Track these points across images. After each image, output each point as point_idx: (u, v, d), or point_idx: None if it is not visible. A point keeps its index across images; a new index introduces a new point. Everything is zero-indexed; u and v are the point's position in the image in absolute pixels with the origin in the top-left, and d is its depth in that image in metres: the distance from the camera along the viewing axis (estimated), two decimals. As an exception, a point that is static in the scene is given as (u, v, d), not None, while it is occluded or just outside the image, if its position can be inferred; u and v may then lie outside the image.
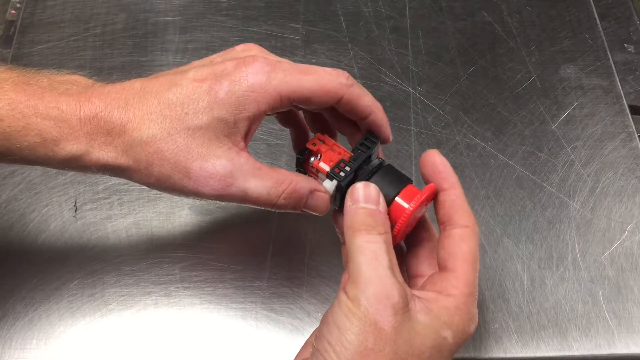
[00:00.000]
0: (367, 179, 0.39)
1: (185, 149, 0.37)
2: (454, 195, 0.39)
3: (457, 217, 0.38)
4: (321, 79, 0.38)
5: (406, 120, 0.59)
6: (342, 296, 0.35)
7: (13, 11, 0.65)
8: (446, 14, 0.67)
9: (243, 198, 0.38)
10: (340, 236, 0.42)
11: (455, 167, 0.56)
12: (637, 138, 0.58)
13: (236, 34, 0.64)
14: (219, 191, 0.38)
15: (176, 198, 0.53)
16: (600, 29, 0.66)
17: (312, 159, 0.41)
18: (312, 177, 0.42)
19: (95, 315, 0.48)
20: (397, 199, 0.39)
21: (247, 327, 0.48)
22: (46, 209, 0.52)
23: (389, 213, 0.38)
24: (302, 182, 0.40)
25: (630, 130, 0.59)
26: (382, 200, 0.38)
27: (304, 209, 0.40)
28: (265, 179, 0.38)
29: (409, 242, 0.42)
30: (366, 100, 0.40)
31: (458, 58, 0.63)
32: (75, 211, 0.52)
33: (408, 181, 0.40)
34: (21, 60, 0.61)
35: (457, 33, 0.65)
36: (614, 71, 0.63)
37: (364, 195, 0.38)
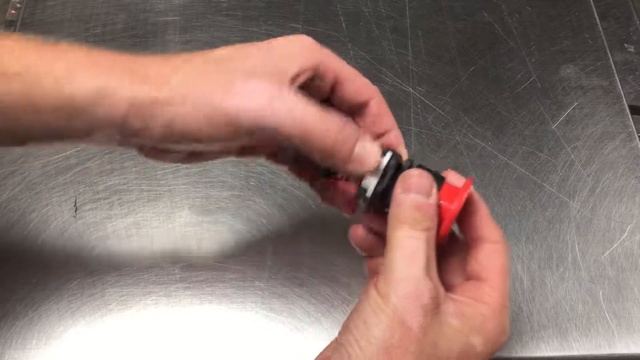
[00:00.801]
0: None
1: (227, 71, 0.35)
2: (483, 215, 0.38)
3: (487, 234, 0.38)
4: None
5: (406, 120, 0.59)
6: (372, 292, 0.34)
7: (13, 11, 0.65)
8: (446, 14, 0.67)
9: (288, 127, 0.34)
10: (358, 250, 0.41)
11: (455, 167, 0.56)
12: (637, 138, 0.58)
13: (236, 34, 0.64)
14: (262, 112, 0.34)
15: (176, 198, 0.53)
16: (600, 28, 0.66)
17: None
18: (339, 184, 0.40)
19: (95, 315, 0.48)
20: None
21: (247, 327, 0.48)
22: (46, 209, 0.52)
23: None
24: (352, 125, 0.37)
25: (630, 130, 0.59)
26: (434, 192, 0.36)
27: (348, 162, 0.36)
28: (315, 107, 0.35)
29: (439, 253, 0.39)
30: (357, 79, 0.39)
31: (458, 58, 0.63)
32: (75, 211, 0.52)
33: (443, 179, 0.38)
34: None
35: (457, 33, 0.65)
36: (614, 71, 0.63)
37: (417, 184, 0.36)
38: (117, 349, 0.47)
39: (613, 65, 0.63)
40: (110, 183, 0.54)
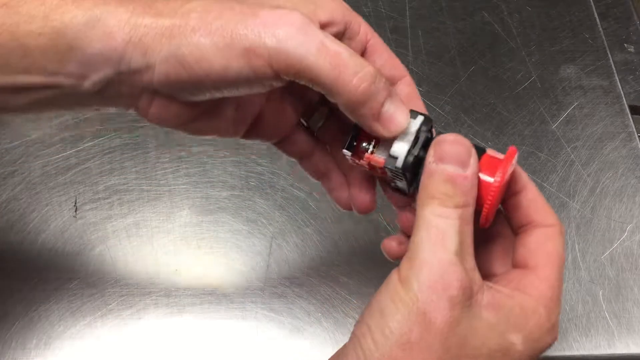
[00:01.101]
0: None
1: (251, 3, 0.30)
2: (531, 195, 0.33)
3: (540, 217, 0.33)
4: None
5: (406, 120, 0.59)
6: (393, 275, 0.30)
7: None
8: (446, 13, 0.67)
9: (319, 62, 0.29)
10: (386, 254, 0.37)
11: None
12: (637, 138, 0.58)
13: (236, 34, 0.64)
14: (289, 39, 0.29)
15: (176, 198, 0.53)
16: (600, 28, 0.66)
17: (365, 144, 0.34)
18: (365, 162, 0.34)
19: (95, 315, 0.48)
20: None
21: (247, 327, 0.48)
22: (46, 209, 0.52)
23: None
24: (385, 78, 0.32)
25: (630, 130, 0.59)
26: (473, 162, 0.31)
27: (376, 118, 0.31)
28: (348, 47, 0.30)
29: (479, 238, 0.34)
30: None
31: (458, 58, 0.63)
32: (75, 211, 0.52)
33: (483, 150, 0.32)
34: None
35: (457, 33, 0.65)
36: (614, 71, 0.63)
37: (451, 152, 0.30)
38: (117, 348, 0.47)
39: (613, 65, 0.63)
40: (110, 183, 0.54)
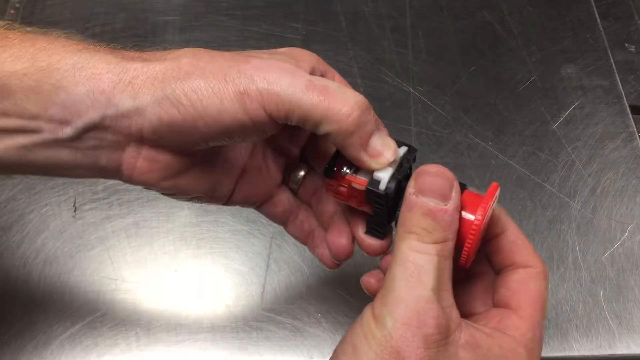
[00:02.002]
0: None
1: (238, 55, 0.31)
2: (512, 237, 0.33)
3: (522, 259, 0.32)
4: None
5: (406, 120, 0.59)
6: (367, 312, 0.29)
7: (12, 11, 0.65)
8: (446, 13, 0.67)
9: (309, 94, 0.29)
10: (365, 290, 0.35)
11: (455, 167, 0.56)
12: (638, 138, 0.58)
13: (236, 34, 0.64)
14: (282, 79, 0.29)
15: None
16: (601, 28, 0.66)
17: (346, 168, 0.33)
18: (345, 188, 0.34)
19: (94, 315, 0.48)
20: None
21: (247, 327, 0.48)
22: (45, 209, 0.52)
23: None
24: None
25: (631, 130, 0.59)
26: (455, 194, 0.30)
27: (364, 149, 0.31)
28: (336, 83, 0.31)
29: (459, 276, 0.34)
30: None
31: (458, 58, 0.63)
32: (75, 211, 0.52)
33: (463, 186, 0.32)
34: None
35: (458, 33, 0.65)
36: (615, 71, 0.63)
37: (432, 184, 0.29)
38: (116, 349, 0.47)
39: (614, 65, 0.63)
40: (109, 183, 0.54)
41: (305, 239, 0.39)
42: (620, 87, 0.62)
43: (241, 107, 0.29)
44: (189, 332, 0.47)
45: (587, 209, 0.54)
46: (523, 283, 0.32)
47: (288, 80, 0.29)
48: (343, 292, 0.49)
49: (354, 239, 0.36)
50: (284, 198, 0.38)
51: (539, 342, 0.31)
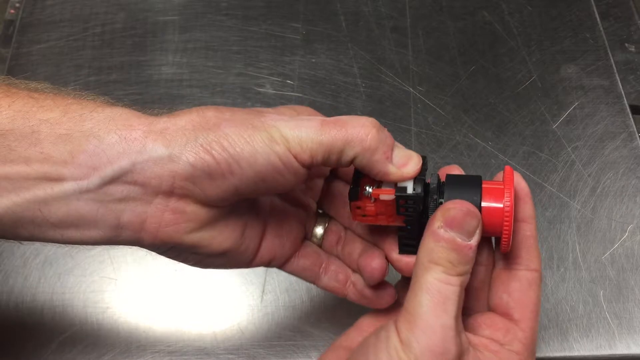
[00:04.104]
0: (439, 197, 0.33)
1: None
2: (529, 231, 0.34)
3: (527, 258, 0.34)
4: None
5: (406, 120, 0.59)
6: (392, 334, 0.30)
7: (12, 10, 0.65)
8: (446, 13, 0.67)
9: (324, 129, 0.31)
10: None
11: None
12: (638, 138, 0.58)
13: (236, 34, 0.64)
14: (299, 124, 0.32)
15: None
16: (601, 28, 0.66)
17: (369, 187, 0.34)
18: (371, 207, 0.35)
19: (94, 315, 0.48)
20: (484, 204, 0.32)
21: (247, 328, 0.48)
22: (45, 209, 0.52)
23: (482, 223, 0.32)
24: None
25: (631, 130, 0.59)
26: (479, 231, 0.32)
27: (389, 162, 0.33)
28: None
29: None
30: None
31: (458, 57, 0.63)
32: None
33: (479, 179, 0.34)
34: (20, 59, 0.61)
35: (458, 32, 0.65)
36: (615, 71, 0.63)
37: (461, 222, 0.31)
38: (116, 349, 0.46)
39: (614, 65, 0.63)
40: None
41: (343, 288, 0.39)
42: (620, 87, 0.62)
43: (272, 150, 0.31)
44: (189, 332, 0.47)
45: (587, 209, 0.54)
46: (525, 292, 0.33)
47: (305, 124, 0.32)
48: (343, 292, 0.49)
49: (387, 261, 0.37)
50: (311, 250, 0.39)
51: (534, 352, 0.33)
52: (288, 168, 0.31)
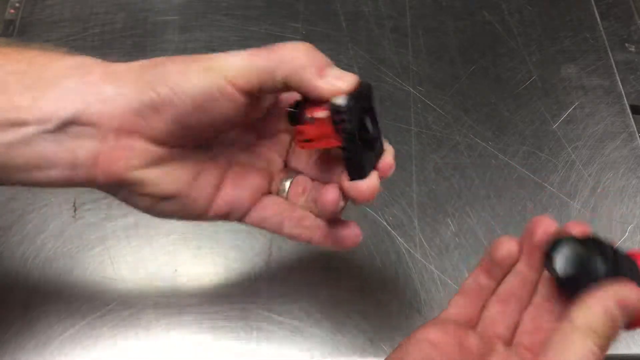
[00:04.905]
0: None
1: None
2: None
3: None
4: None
5: (406, 119, 0.59)
6: None
7: (12, 10, 0.65)
8: (447, 13, 0.67)
9: (259, 54, 0.33)
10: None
11: (455, 167, 0.56)
12: (638, 138, 0.58)
13: (236, 34, 0.64)
14: (234, 55, 0.33)
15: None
16: (601, 28, 0.66)
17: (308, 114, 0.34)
18: (312, 130, 0.35)
19: (94, 315, 0.48)
20: None
21: (247, 327, 0.47)
22: (45, 208, 0.52)
23: None
24: None
25: (632, 130, 0.59)
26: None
27: (322, 76, 0.33)
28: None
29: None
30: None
31: (458, 57, 0.63)
32: (75, 211, 0.52)
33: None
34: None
35: (458, 32, 0.65)
36: (615, 71, 0.63)
37: (634, 309, 0.31)
38: (116, 349, 0.46)
39: (614, 65, 0.63)
40: (109, 183, 0.54)
41: (308, 232, 0.39)
42: (621, 87, 0.62)
43: (207, 79, 0.32)
44: (189, 332, 0.47)
45: (587, 209, 0.54)
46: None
47: (241, 53, 0.33)
48: (343, 292, 0.49)
49: (342, 192, 0.36)
50: (271, 202, 0.39)
51: None
52: (223, 94, 0.33)
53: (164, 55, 0.34)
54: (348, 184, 0.35)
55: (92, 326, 0.47)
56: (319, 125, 0.34)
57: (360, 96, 0.34)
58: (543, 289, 0.35)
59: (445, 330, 0.34)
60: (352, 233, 0.38)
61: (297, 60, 0.33)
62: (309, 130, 0.34)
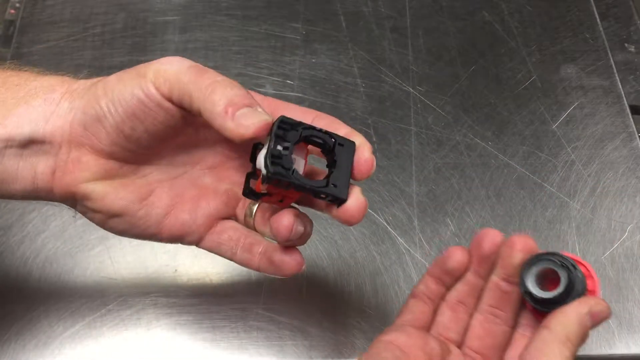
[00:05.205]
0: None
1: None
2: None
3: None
4: None
5: (406, 120, 0.59)
6: None
7: (12, 10, 0.65)
8: (446, 13, 0.67)
9: (189, 71, 0.33)
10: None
11: (455, 167, 0.56)
12: (638, 138, 0.58)
13: (236, 34, 0.64)
14: (166, 62, 0.33)
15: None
16: (601, 28, 0.66)
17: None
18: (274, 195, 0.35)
19: (94, 315, 0.48)
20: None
21: (247, 327, 0.48)
22: (45, 208, 0.52)
23: None
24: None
25: (631, 130, 0.59)
26: None
27: (226, 117, 0.32)
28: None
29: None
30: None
31: (458, 58, 0.63)
32: (75, 211, 0.52)
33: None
34: (20, 59, 0.61)
35: (458, 33, 0.65)
36: (615, 71, 0.63)
37: (602, 320, 0.34)
38: (116, 349, 0.47)
39: (614, 65, 0.63)
40: (109, 183, 0.54)
41: (255, 259, 0.38)
42: (620, 87, 0.62)
43: (136, 84, 0.33)
44: (189, 332, 0.47)
45: (587, 209, 0.54)
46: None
47: (180, 63, 0.33)
48: (343, 292, 0.49)
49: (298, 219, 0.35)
50: (228, 227, 0.38)
51: None
52: (152, 100, 0.33)
53: (164, 55, 0.34)
54: (335, 213, 0.35)
55: (92, 326, 0.47)
56: (273, 192, 0.34)
57: (280, 136, 0.32)
58: (488, 296, 0.36)
59: (408, 334, 0.35)
60: (294, 262, 0.37)
61: (209, 95, 0.32)
62: (272, 200, 0.35)
